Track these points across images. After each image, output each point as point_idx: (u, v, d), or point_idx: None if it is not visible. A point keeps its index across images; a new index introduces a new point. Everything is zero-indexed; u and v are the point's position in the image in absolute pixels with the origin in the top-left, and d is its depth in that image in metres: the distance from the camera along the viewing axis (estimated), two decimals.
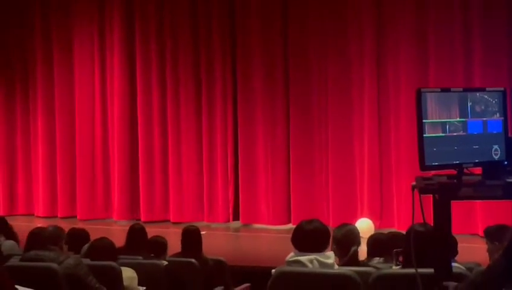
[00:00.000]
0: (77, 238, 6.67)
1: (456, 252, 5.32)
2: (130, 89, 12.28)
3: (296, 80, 11.40)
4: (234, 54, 11.77)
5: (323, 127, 11.23)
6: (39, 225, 6.85)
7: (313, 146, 11.31)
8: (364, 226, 9.97)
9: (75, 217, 12.34)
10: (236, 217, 11.73)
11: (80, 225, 8.89)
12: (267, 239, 10.84)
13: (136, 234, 6.65)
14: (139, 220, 11.94)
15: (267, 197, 11.51)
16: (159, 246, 6.62)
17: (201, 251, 6.68)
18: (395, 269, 4.57)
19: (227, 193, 11.73)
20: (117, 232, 6.87)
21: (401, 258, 4.55)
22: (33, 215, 12.79)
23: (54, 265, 5.20)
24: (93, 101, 12.52)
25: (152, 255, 6.45)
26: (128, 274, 5.62)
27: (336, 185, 11.08)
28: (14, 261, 5.58)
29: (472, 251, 6.26)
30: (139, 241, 6.56)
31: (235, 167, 11.74)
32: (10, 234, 7.30)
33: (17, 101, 13.07)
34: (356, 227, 5.56)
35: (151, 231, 7.40)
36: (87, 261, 5.62)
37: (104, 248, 5.83)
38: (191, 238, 6.73)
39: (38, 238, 5.63)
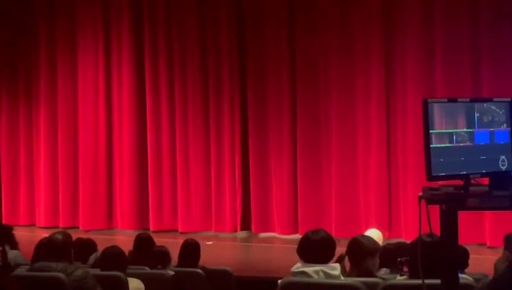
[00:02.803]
0: (84, 248, 6.66)
1: (466, 264, 5.30)
2: (137, 98, 12.30)
3: (303, 93, 11.38)
4: (243, 63, 11.76)
5: (330, 137, 11.22)
6: (45, 235, 6.82)
7: (320, 156, 11.29)
8: (373, 236, 9.91)
9: (77, 227, 12.30)
10: (243, 227, 11.72)
11: (82, 235, 8.85)
12: (274, 249, 10.83)
13: (143, 243, 6.66)
14: (148, 229, 11.95)
15: (277, 206, 11.50)
16: (162, 256, 6.62)
17: (197, 265, 6.67)
18: (400, 279, 4.55)
19: (235, 203, 11.72)
20: (123, 242, 6.88)
21: (405, 268, 4.52)
22: (35, 225, 12.71)
23: (61, 275, 5.19)
24: (98, 111, 12.50)
25: (159, 266, 6.45)
26: (136, 285, 5.60)
27: (343, 196, 11.05)
28: (21, 271, 5.57)
29: (480, 262, 6.23)
30: (146, 251, 6.56)
31: (243, 176, 11.72)
32: (13, 243, 7.29)
33: (20, 109, 13.01)
34: (364, 239, 5.50)
35: (159, 241, 7.40)
36: (94, 271, 5.62)
37: (114, 257, 5.81)
38: (188, 251, 6.74)
39: (46, 249, 5.60)
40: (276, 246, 10.95)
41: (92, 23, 12.55)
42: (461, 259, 5.24)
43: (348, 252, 5.17)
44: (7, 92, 13.15)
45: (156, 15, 12.18)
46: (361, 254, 5.09)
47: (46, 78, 12.78)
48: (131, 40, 12.33)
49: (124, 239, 7.26)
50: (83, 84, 12.59)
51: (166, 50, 12.12)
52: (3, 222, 12.08)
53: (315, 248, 4.56)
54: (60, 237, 5.48)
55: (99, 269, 5.75)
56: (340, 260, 5.08)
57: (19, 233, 7.94)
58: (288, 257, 6.95)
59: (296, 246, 4.71)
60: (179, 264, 6.64)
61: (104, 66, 12.51)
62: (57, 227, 12.11)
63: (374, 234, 10.12)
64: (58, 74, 12.72)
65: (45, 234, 8.06)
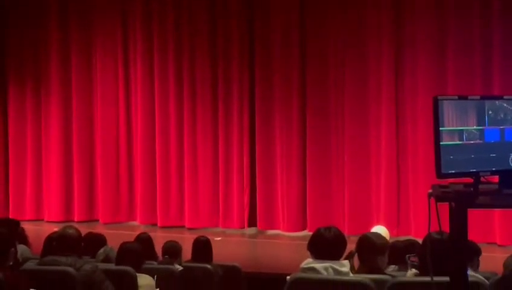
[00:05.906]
0: (93, 242, 6.68)
1: (476, 260, 5.29)
2: (149, 97, 12.30)
3: (313, 88, 11.38)
4: (252, 62, 11.76)
5: (340, 134, 11.22)
6: (54, 229, 6.83)
7: (330, 153, 11.28)
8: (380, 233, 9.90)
9: (94, 221, 12.33)
10: (251, 223, 11.72)
11: (102, 230, 8.88)
12: (282, 246, 10.83)
13: (144, 245, 6.68)
14: (155, 225, 11.97)
15: (283, 203, 11.49)
16: (173, 250, 6.65)
17: (211, 261, 6.71)
18: (411, 273, 4.54)
19: (243, 199, 11.72)
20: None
21: (414, 259, 4.51)
22: (42, 220, 12.65)
23: (71, 269, 5.20)
24: (116, 104, 12.53)
25: (166, 256, 6.49)
26: (147, 282, 5.60)
27: (352, 192, 11.05)
28: (31, 265, 5.58)
29: (490, 260, 6.21)
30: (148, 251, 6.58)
31: (251, 173, 11.72)
32: (22, 238, 7.30)
33: (27, 101, 12.97)
34: (373, 236, 5.48)
35: (167, 237, 7.41)
36: (103, 265, 5.63)
37: (130, 253, 5.81)
38: (201, 248, 6.77)
39: (58, 243, 5.60)
40: (284, 242, 10.96)
41: (110, 29, 12.54)
42: (471, 254, 5.23)
43: (357, 249, 5.17)
44: (14, 80, 13.01)
45: (166, 14, 12.17)
46: (371, 251, 5.09)
47: (57, 66, 12.70)
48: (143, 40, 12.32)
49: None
50: (100, 74, 12.56)
51: (175, 52, 12.11)
52: (11, 217, 12.11)
53: (327, 245, 4.55)
54: (72, 231, 5.48)
55: (107, 264, 5.76)
56: (349, 257, 5.08)
57: (25, 227, 7.96)
58: (296, 253, 6.95)
59: (304, 243, 4.71)
60: (192, 262, 6.67)
61: (123, 61, 12.46)
62: (72, 221, 12.00)
63: (381, 230, 10.14)
64: (72, 62, 12.66)
65: (54, 228, 8.09)
